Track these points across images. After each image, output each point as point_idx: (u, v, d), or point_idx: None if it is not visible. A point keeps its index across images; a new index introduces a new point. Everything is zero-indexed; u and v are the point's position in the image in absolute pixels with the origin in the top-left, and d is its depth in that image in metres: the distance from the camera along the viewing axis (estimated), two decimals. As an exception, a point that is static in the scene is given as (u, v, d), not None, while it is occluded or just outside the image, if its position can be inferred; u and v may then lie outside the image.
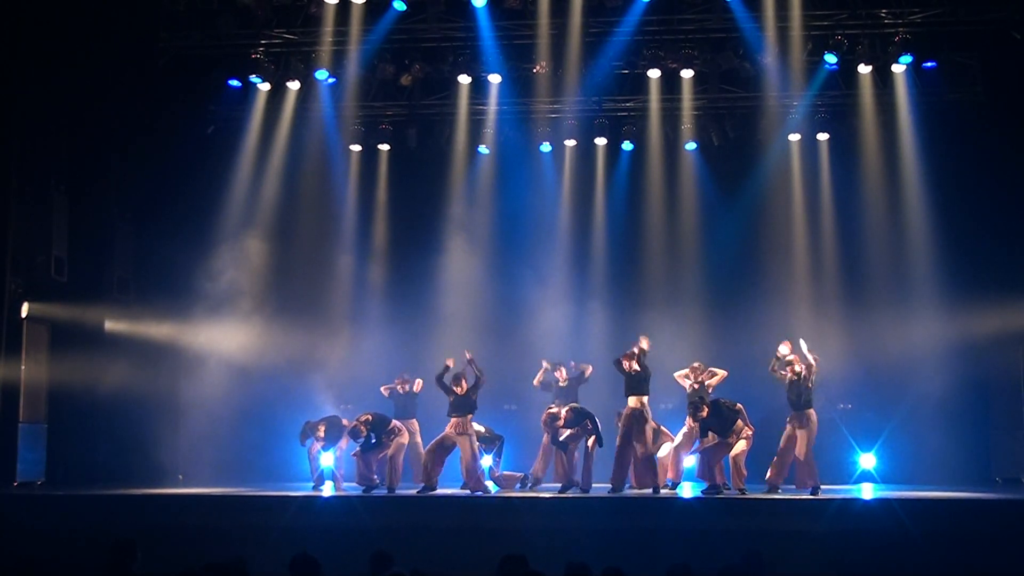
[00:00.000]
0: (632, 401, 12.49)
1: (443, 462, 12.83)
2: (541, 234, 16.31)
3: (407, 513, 11.70)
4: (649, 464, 12.64)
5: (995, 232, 14.99)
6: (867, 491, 13.10)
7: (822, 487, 12.41)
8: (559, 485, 12.88)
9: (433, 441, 12.82)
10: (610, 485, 12.51)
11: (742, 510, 11.48)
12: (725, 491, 12.21)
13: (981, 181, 14.93)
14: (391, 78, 15.46)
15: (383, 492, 12.68)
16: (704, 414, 12.17)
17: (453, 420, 12.64)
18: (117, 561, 6.99)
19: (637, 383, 12.49)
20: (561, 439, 12.65)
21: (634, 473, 12.89)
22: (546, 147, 16.35)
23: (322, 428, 13.49)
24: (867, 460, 14.50)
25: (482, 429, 12.96)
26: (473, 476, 12.53)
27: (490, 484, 12.78)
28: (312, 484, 13.56)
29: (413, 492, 12.49)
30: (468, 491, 12.51)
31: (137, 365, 15.35)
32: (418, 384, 14.10)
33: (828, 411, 14.60)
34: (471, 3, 14.43)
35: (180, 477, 15.26)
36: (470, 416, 12.64)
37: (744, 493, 12.24)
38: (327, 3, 14.60)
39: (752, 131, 15.84)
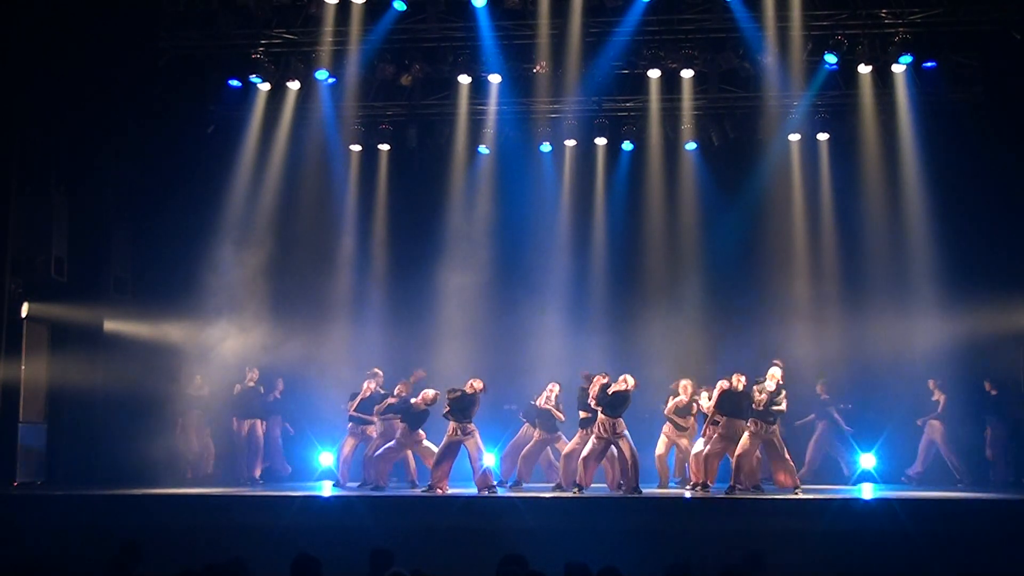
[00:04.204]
0: None
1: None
2: (541, 234, 16.32)
3: (407, 513, 11.69)
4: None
5: (995, 232, 14.99)
6: (867, 491, 13.11)
7: (802, 486, 12.56)
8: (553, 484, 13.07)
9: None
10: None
11: (742, 510, 11.48)
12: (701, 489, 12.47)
13: (981, 181, 14.93)
14: (391, 78, 15.45)
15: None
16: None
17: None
18: (121, 562, 7.00)
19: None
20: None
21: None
22: (546, 147, 16.34)
23: None
24: (867, 460, 14.49)
25: None
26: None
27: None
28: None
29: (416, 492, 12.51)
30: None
31: (136, 365, 15.34)
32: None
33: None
34: (471, 3, 14.43)
35: (189, 475, 15.13)
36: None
37: (708, 491, 12.43)
38: (327, 3, 14.59)
39: (752, 131, 15.84)
